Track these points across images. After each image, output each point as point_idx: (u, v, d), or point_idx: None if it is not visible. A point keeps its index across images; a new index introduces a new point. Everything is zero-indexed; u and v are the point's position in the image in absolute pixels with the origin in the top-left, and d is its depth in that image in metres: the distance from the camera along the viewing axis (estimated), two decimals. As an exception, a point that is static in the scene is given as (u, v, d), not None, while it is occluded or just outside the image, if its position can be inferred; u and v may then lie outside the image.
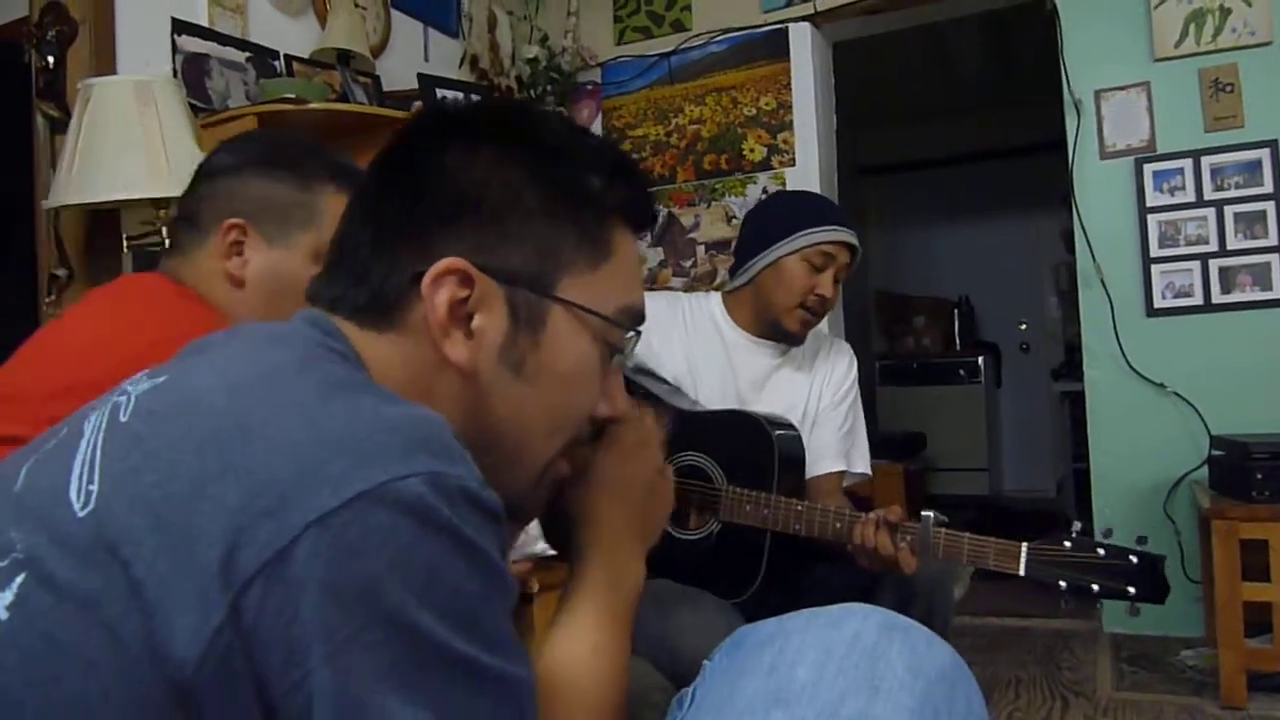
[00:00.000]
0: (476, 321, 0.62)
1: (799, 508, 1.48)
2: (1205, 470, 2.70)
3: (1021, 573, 1.32)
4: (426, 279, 0.61)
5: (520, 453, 0.66)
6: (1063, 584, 1.30)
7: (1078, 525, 1.33)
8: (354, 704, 0.46)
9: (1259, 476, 2.27)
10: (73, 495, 0.50)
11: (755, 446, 1.57)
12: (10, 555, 0.50)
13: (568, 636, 0.68)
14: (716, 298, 1.82)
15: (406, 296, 0.62)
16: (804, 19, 3.35)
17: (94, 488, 0.50)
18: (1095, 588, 1.28)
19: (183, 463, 0.49)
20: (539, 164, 0.65)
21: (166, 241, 1.26)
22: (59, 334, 1.11)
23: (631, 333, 0.69)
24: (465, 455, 0.53)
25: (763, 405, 1.69)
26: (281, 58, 2.56)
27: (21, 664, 0.47)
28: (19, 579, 0.49)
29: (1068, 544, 1.30)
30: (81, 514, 0.49)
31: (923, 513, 1.40)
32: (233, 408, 0.52)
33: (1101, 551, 1.29)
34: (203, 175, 1.17)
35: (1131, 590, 1.27)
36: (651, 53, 3.57)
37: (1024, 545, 1.32)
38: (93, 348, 1.01)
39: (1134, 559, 1.27)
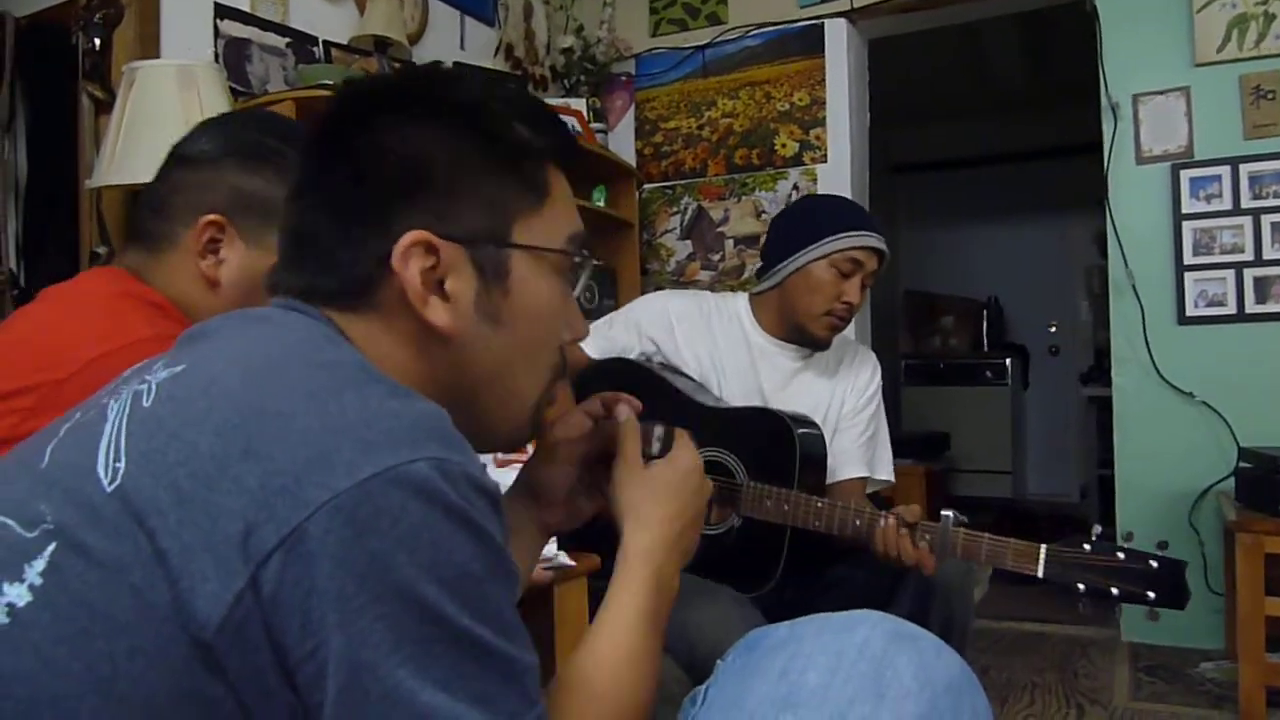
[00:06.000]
0: (449, 285, 0.66)
1: (819, 504, 1.49)
2: (1232, 482, 2.67)
3: (1040, 574, 1.30)
4: (395, 256, 0.64)
5: (512, 394, 0.70)
6: (1081, 587, 1.28)
7: (1098, 529, 1.32)
8: (366, 671, 0.49)
9: (1286, 491, 2.25)
10: (100, 472, 0.54)
11: (777, 443, 1.57)
12: (40, 526, 0.53)
13: (609, 640, 0.69)
14: (743, 299, 1.82)
15: (377, 276, 0.65)
16: (840, 15, 3.34)
17: (120, 465, 0.53)
18: (1115, 591, 1.26)
19: (204, 444, 0.52)
20: (470, 125, 0.68)
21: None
22: (14, 334, 1.02)
23: (581, 258, 0.73)
24: (466, 446, 0.56)
25: (785, 407, 1.70)
26: (320, 44, 2.59)
27: (54, 623, 0.50)
28: (50, 547, 0.52)
29: (1087, 546, 1.29)
30: (109, 488, 0.53)
31: (942, 512, 1.40)
32: (249, 394, 0.55)
33: (1122, 555, 1.27)
34: (177, 161, 1.08)
35: (1151, 595, 1.24)
36: (686, 45, 3.57)
37: (1043, 546, 1.31)
38: (54, 351, 0.94)
39: (1154, 564, 1.25)
